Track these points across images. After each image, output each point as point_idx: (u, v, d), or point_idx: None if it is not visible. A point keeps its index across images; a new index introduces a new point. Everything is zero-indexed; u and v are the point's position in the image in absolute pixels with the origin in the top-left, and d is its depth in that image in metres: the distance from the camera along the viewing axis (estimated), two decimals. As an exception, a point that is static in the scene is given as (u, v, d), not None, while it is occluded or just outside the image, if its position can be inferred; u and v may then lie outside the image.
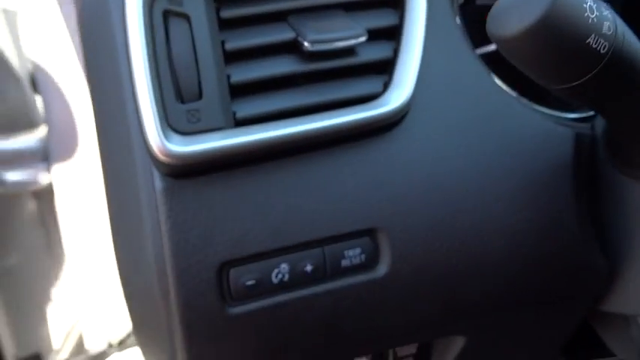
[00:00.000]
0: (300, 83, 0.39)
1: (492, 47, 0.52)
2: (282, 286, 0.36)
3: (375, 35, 0.40)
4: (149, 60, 0.32)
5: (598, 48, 0.28)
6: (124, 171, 0.36)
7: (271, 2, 0.38)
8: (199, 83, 0.33)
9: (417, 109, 0.40)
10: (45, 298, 1.00)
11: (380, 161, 0.38)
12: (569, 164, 0.42)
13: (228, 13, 0.36)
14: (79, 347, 0.97)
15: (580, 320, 0.50)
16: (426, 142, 0.40)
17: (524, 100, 0.43)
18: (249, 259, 0.35)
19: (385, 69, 0.40)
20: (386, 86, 0.39)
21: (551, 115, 0.44)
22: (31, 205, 0.97)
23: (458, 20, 0.44)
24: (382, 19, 0.41)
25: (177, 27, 0.33)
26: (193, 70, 0.33)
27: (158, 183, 0.33)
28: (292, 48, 0.38)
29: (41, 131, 0.90)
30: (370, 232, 0.38)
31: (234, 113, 0.35)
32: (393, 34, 0.41)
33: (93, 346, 0.94)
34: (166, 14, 0.33)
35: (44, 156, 0.89)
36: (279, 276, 0.36)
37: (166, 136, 0.31)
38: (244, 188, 0.35)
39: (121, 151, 0.36)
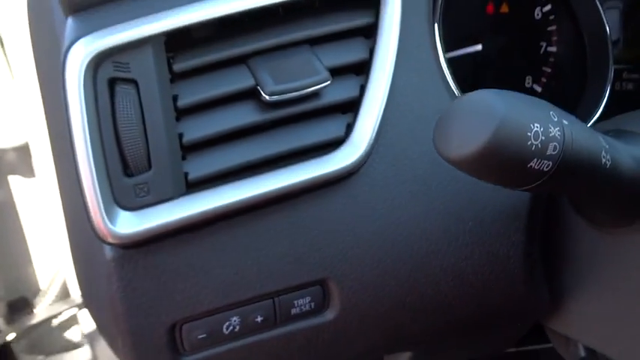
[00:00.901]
0: (256, 130, 0.38)
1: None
2: (233, 336, 0.38)
3: (341, 71, 0.39)
4: (91, 133, 0.31)
5: (540, 168, 0.28)
6: (79, 223, 0.36)
7: (229, 46, 0.36)
8: (148, 152, 0.33)
9: (378, 153, 0.40)
10: (30, 243, 1.03)
11: (334, 210, 0.39)
12: (523, 211, 0.43)
13: (182, 65, 0.35)
14: (65, 292, 1.01)
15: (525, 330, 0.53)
16: (382, 189, 0.40)
17: None
18: (200, 315, 0.36)
19: (350, 108, 0.39)
20: (349, 129, 0.39)
21: None
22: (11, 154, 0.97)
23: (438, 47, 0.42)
24: (351, 53, 0.39)
25: (123, 94, 0.32)
26: (141, 140, 0.33)
27: (108, 252, 0.34)
28: (250, 94, 0.37)
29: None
30: (321, 282, 0.39)
31: (186, 175, 0.35)
32: (361, 69, 0.40)
33: (77, 295, 0.99)
34: (112, 81, 0.32)
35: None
36: (230, 328, 0.38)
37: (111, 217, 0.32)
38: (194, 251, 0.35)
39: (76, 207, 0.36)
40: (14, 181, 1.00)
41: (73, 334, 0.95)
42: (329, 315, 0.40)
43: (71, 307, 0.94)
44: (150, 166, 0.33)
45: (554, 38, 0.53)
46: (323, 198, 0.39)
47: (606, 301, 0.43)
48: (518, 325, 0.50)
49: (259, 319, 0.38)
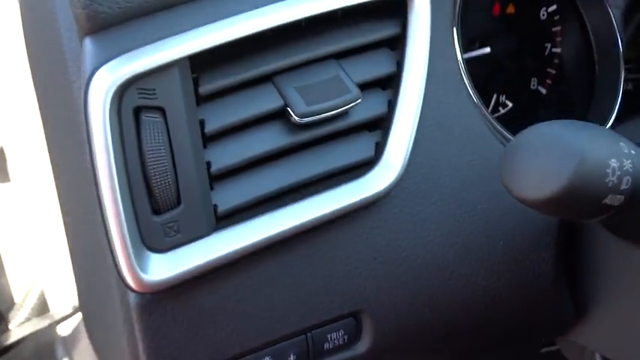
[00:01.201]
0: (284, 154, 0.36)
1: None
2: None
3: (367, 85, 0.37)
4: (118, 169, 0.28)
5: (612, 203, 0.26)
6: (98, 261, 0.33)
7: (255, 63, 0.33)
8: (177, 186, 0.30)
9: (407, 173, 0.38)
10: (3, 252, 0.97)
11: (364, 236, 0.37)
12: (554, 225, 0.42)
13: (209, 87, 0.32)
14: (42, 307, 0.96)
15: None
16: (414, 212, 0.38)
17: None
18: (232, 359, 0.34)
19: (378, 125, 0.37)
20: (379, 149, 0.36)
21: None
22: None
23: (461, 65, 0.40)
24: (378, 67, 0.37)
25: (150, 123, 0.29)
26: (170, 173, 0.30)
27: (133, 298, 0.30)
28: (279, 115, 0.34)
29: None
30: (354, 314, 0.37)
31: (215, 207, 0.32)
32: (388, 83, 0.37)
33: (56, 309, 0.94)
34: (138, 110, 0.29)
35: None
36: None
37: (141, 262, 0.28)
38: (225, 291, 0.33)
39: (94, 242, 0.33)
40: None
41: (51, 352, 0.91)
42: (361, 347, 0.38)
43: (50, 322, 0.89)
44: (179, 202, 0.30)
45: (559, 39, 0.51)
46: (353, 224, 0.36)
47: (631, 313, 0.43)
48: (540, 341, 0.49)
49: (292, 357, 0.36)
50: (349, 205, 0.35)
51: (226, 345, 0.33)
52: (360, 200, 0.35)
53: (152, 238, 0.29)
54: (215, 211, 0.32)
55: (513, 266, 0.41)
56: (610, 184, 0.25)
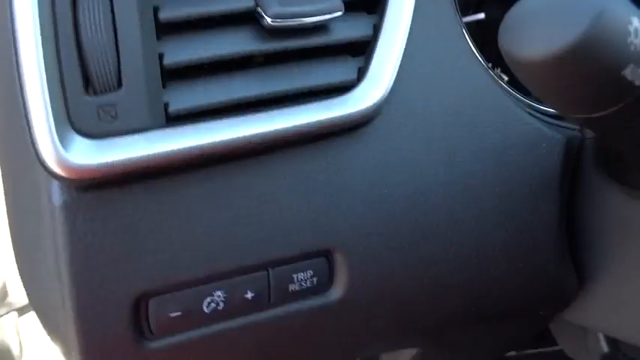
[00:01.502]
0: (254, 64, 0.31)
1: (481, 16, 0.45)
2: (216, 317, 0.30)
3: (352, 6, 0.33)
4: (42, 28, 0.23)
5: (633, 80, 0.22)
6: (22, 176, 0.28)
7: None
8: (119, 66, 0.25)
9: (393, 103, 0.33)
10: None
11: (342, 167, 0.32)
12: (555, 178, 0.37)
13: None
14: (3, 297, 0.90)
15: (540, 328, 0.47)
16: (399, 144, 0.33)
17: (516, 94, 0.37)
18: (174, 287, 0.28)
19: (361, 50, 0.33)
20: (361, 73, 0.32)
21: (544, 120, 0.38)
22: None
23: None
24: None
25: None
26: (109, 50, 0.25)
27: (57, 197, 0.25)
28: (248, 19, 0.30)
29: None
30: (325, 253, 0.32)
31: (166, 106, 0.27)
32: (375, 5, 0.33)
33: (17, 299, 0.87)
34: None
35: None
36: (213, 305, 0.29)
37: (65, 141, 0.23)
38: (171, 203, 0.27)
39: (19, 149, 0.27)
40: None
41: (10, 343, 0.83)
42: (334, 294, 0.33)
43: (9, 311, 0.82)
44: (120, 85, 0.25)
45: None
46: (329, 151, 0.32)
47: (638, 281, 0.38)
48: (540, 316, 0.43)
49: (250, 295, 0.30)
50: (322, 120, 0.30)
51: (168, 268, 0.28)
52: (336, 118, 0.30)
53: (82, 120, 0.24)
54: (166, 109, 0.27)
55: (509, 218, 0.36)
56: (632, 48, 0.21)
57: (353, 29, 0.32)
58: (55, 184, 0.25)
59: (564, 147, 0.37)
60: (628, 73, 0.21)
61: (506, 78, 0.47)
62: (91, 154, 0.24)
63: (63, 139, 0.23)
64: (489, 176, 0.35)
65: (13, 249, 0.32)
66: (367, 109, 0.31)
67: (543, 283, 0.39)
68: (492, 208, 0.36)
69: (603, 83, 0.21)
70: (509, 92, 0.37)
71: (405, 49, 0.33)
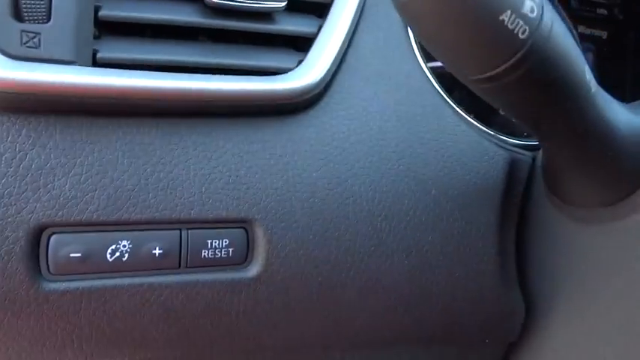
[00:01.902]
0: (197, 40, 0.33)
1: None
2: (119, 267, 0.29)
3: (302, 7, 0.35)
4: None
5: (515, 30, 0.22)
6: None
7: None
8: (50, 3, 0.27)
9: (330, 97, 0.34)
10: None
11: (273, 146, 0.32)
12: (497, 188, 0.37)
13: None
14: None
15: None
16: (334, 134, 0.34)
17: (459, 110, 0.38)
18: (77, 225, 0.28)
19: (305, 47, 0.34)
20: (300, 65, 0.34)
21: (487, 133, 0.38)
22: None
23: None
24: None
25: None
26: None
27: None
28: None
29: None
30: (244, 223, 0.32)
31: (95, 52, 0.29)
32: (323, 10, 0.36)
33: None
34: None
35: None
36: (117, 254, 0.29)
37: None
38: (88, 140, 0.28)
39: None
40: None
41: None
42: (250, 271, 0.32)
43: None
44: (49, 19, 0.27)
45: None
46: (263, 129, 0.32)
47: (589, 314, 0.36)
48: (487, 346, 0.41)
49: (158, 251, 0.30)
50: (243, 91, 0.31)
51: (74, 203, 0.28)
52: (256, 91, 0.31)
53: (6, 41, 0.26)
54: (94, 55, 0.29)
55: (446, 222, 0.36)
56: None
57: (298, 25, 0.34)
58: None
59: (508, 163, 0.37)
60: (507, 20, 0.22)
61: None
62: (7, 72, 0.25)
63: None
64: (426, 180, 0.35)
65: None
66: (293, 90, 0.32)
67: (483, 303, 0.37)
68: (427, 209, 0.35)
69: (482, 27, 0.22)
70: (450, 105, 0.37)
71: (352, 50, 0.35)
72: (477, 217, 0.36)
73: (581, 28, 0.54)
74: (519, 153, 0.38)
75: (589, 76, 0.27)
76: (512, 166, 0.38)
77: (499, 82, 0.24)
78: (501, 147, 0.38)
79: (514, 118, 0.29)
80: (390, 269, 0.35)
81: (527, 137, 0.41)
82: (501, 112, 0.32)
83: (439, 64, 0.42)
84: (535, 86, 0.24)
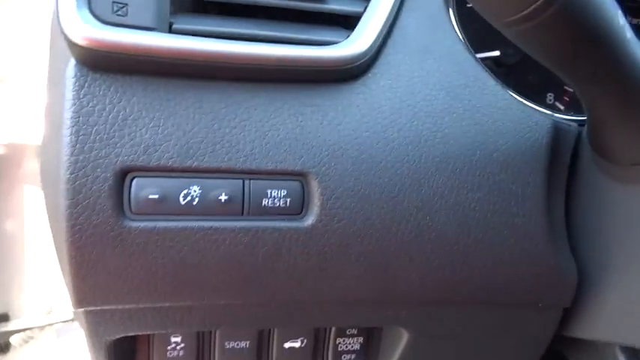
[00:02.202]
0: (257, 18, 0.37)
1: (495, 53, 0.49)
2: (190, 210, 0.33)
3: None
4: None
5: None
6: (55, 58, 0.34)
7: None
8: None
9: (378, 67, 0.37)
10: (21, 261, 0.98)
11: (329, 109, 0.36)
12: (543, 154, 0.38)
13: None
14: (47, 312, 0.94)
15: (544, 343, 0.44)
16: (384, 102, 0.37)
17: (502, 84, 0.40)
18: (155, 170, 0.32)
19: (352, 24, 0.38)
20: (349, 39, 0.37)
21: (530, 105, 0.40)
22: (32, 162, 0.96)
23: None
24: None
25: None
26: None
27: (70, 70, 0.31)
28: None
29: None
30: (300, 176, 0.35)
31: (171, 24, 0.33)
32: None
33: (60, 315, 0.92)
34: None
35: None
36: (188, 198, 0.33)
37: (84, 20, 0.30)
38: (166, 97, 0.32)
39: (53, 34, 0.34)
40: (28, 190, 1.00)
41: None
42: (306, 220, 0.35)
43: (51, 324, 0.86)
44: None
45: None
46: (318, 91, 0.36)
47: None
48: (540, 311, 0.41)
49: (224, 197, 0.33)
50: (298, 57, 0.34)
51: (152, 150, 0.32)
52: (320, 57, 0.35)
53: (99, 9, 0.31)
54: (170, 26, 0.33)
55: (490, 182, 0.37)
56: None
57: (346, 4, 0.38)
58: (72, 62, 0.31)
59: (552, 129, 0.39)
60: None
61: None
62: (102, 32, 0.30)
63: (82, 18, 0.30)
64: (467, 141, 0.37)
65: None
66: (342, 57, 0.35)
67: (533, 263, 0.38)
68: (470, 169, 0.37)
69: None
70: (493, 77, 0.39)
71: (397, 28, 0.38)
72: (523, 179, 0.38)
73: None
74: (564, 123, 0.40)
75: (623, 21, 0.28)
76: (557, 133, 0.39)
77: (534, 21, 0.26)
78: (545, 115, 0.39)
79: (550, 64, 0.30)
80: (438, 225, 0.36)
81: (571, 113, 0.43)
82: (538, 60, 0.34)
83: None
84: (570, 25, 0.26)
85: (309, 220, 0.35)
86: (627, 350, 0.41)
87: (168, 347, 0.42)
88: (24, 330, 0.87)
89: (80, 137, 0.31)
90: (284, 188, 0.34)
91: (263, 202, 0.34)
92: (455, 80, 0.38)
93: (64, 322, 0.90)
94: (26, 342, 0.91)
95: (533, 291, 0.39)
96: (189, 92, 0.33)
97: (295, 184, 0.35)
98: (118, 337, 0.37)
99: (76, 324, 0.92)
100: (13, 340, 0.90)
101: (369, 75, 0.37)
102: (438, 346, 0.43)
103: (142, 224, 0.32)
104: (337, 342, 0.45)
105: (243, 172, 0.33)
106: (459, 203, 0.37)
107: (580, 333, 0.42)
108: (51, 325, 0.91)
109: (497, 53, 0.50)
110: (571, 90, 0.51)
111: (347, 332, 0.45)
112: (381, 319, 0.40)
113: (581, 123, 0.42)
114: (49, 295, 0.96)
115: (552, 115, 0.40)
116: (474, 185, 0.37)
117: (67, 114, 0.30)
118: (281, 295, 0.36)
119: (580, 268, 0.40)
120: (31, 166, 0.99)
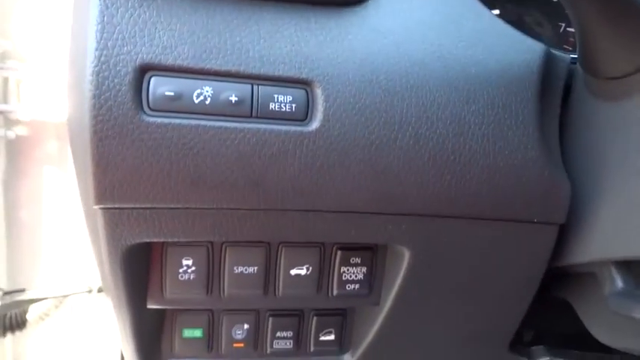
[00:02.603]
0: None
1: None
2: (203, 109, 0.35)
3: None
4: None
5: None
6: None
7: None
8: None
9: None
10: (40, 243, 1.01)
11: (333, 26, 0.38)
12: (535, 78, 0.41)
13: None
14: (61, 288, 0.97)
15: (542, 265, 0.45)
16: (385, 23, 0.40)
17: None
18: (171, 69, 0.35)
19: None
20: None
21: (523, 34, 0.42)
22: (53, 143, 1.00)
23: None
24: None
25: None
26: None
27: None
28: None
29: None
30: (305, 84, 0.37)
31: None
32: None
33: (72, 289, 0.94)
34: None
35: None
36: (201, 97, 0.35)
37: None
38: (182, 6, 0.35)
39: None
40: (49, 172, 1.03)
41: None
42: (311, 125, 0.37)
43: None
44: None
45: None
46: (317, 14, 0.39)
47: (633, 191, 0.38)
48: (537, 230, 0.43)
49: (234, 98, 0.36)
50: None
51: (169, 50, 0.35)
52: None
53: None
54: None
55: (485, 96, 0.40)
56: None
57: None
58: None
59: (545, 55, 0.41)
60: None
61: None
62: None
63: None
64: (462, 60, 0.40)
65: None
66: None
67: (527, 176, 0.40)
68: (465, 85, 0.39)
69: None
70: (488, 8, 0.42)
71: None
72: (517, 94, 0.40)
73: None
74: (556, 52, 0.42)
75: None
76: (550, 57, 0.42)
77: None
78: (538, 42, 0.42)
79: None
80: (435, 135, 0.39)
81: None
82: None
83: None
84: None
85: (314, 126, 0.37)
86: (622, 268, 0.42)
87: (180, 270, 0.44)
88: (40, 300, 0.89)
89: (105, 34, 0.34)
90: (290, 95, 0.37)
91: (270, 106, 0.37)
92: (452, 9, 0.41)
93: (80, 293, 0.92)
94: (42, 319, 0.94)
95: (528, 205, 0.41)
96: (204, 3, 0.36)
97: (301, 92, 0.37)
98: (133, 242, 0.39)
99: (91, 300, 0.95)
100: (30, 316, 0.93)
101: (370, 2, 0.40)
102: (439, 267, 0.44)
103: (159, 120, 0.35)
104: (342, 271, 0.47)
105: (251, 76, 0.36)
106: (455, 114, 0.39)
107: (579, 255, 0.44)
108: (66, 296, 0.93)
109: (496, 12, 0.53)
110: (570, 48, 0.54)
111: (351, 261, 0.47)
112: (382, 234, 0.42)
113: (572, 61, 0.44)
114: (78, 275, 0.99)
115: (542, 41, 0.43)
116: (470, 98, 0.39)
117: (93, 13, 0.34)
118: (285, 202, 0.38)
119: (574, 191, 0.42)
120: (52, 147, 1.03)
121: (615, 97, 0.39)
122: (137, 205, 0.37)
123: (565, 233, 0.44)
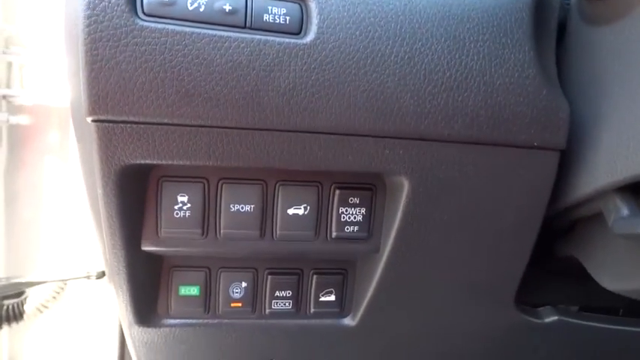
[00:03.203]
0: None
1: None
2: (197, 17, 0.35)
3: None
4: None
5: None
6: None
7: None
8: None
9: None
10: (40, 232, 1.01)
11: None
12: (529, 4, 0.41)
13: None
14: (60, 273, 0.96)
15: (545, 195, 0.44)
16: None
17: None
18: None
19: None
20: None
21: None
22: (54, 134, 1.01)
23: None
24: None
25: None
26: None
27: None
28: None
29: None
30: None
31: None
32: None
33: (71, 274, 0.93)
34: None
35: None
36: (195, 4, 0.35)
37: None
38: None
39: None
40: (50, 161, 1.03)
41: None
42: (306, 38, 0.37)
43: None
44: None
45: None
46: None
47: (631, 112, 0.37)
48: (537, 155, 0.42)
49: (228, 7, 0.36)
50: None
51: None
52: None
53: None
54: None
55: (480, 16, 0.40)
56: None
57: None
58: None
59: None
60: None
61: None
62: None
63: None
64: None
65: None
66: None
67: (525, 96, 0.40)
68: (460, 6, 0.40)
69: None
70: None
71: None
72: (512, 14, 0.40)
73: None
74: None
75: None
76: None
77: None
78: None
79: None
80: (430, 52, 0.39)
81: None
82: None
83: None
84: None
85: (308, 39, 0.37)
86: (626, 197, 0.41)
87: (175, 207, 0.43)
88: (40, 283, 0.88)
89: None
90: (284, 7, 0.37)
91: (264, 17, 0.37)
92: None
93: (79, 278, 0.91)
94: (40, 311, 0.92)
95: (526, 126, 0.40)
96: None
97: (295, 6, 0.37)
98: (127, 162, 0.39)
99: (91, 290, 0.94)
100: (27, 309, 0.92)
101: None
102: (438, 201, 0.44)
103: (152, 25, 0.35)
104: (340, 211, 0.46)
105: None
106: (450, 32, 0.39)
107: (583, 186, 0.42)
108: (65, 281, 0.92)
109: None
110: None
111: (349, 201, 0.46)
112: (379, 160, 0.41)
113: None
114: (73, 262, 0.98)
115: None
116: (464, 17, 0.39)
117: None
118: (281, 120, 0.38)
119: (575, 119, 0.41)
120: (54, 135, 1.03)
121: (607, 21, 0.39)
122: (130, 119, 0.37)
123: (567, 165, 0.43)
